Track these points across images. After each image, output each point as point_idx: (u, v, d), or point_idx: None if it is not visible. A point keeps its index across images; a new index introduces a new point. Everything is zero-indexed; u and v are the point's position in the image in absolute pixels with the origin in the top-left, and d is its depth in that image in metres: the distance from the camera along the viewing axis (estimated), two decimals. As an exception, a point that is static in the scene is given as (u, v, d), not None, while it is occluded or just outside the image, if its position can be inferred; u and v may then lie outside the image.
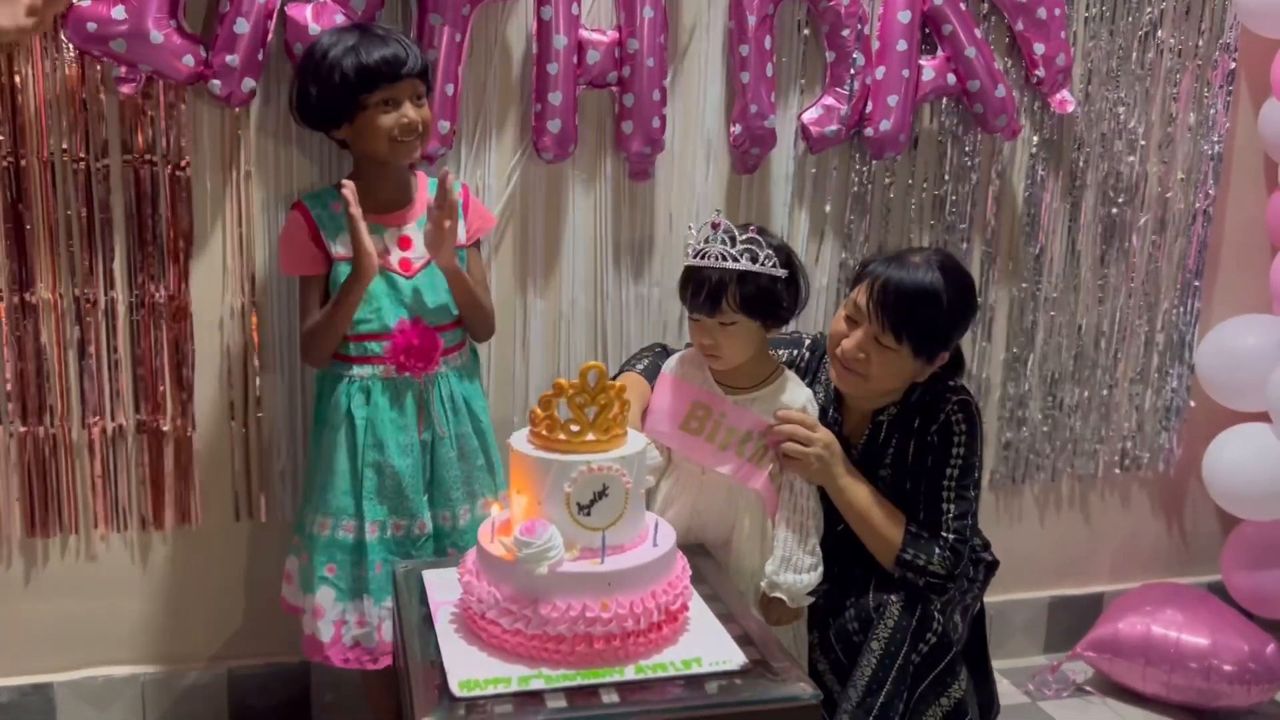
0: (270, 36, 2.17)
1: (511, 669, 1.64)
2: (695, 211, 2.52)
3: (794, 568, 2.06)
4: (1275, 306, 2.88)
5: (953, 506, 2.12)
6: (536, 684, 1.60)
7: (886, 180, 2.62)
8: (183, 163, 2.22)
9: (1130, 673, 2.74)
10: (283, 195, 2.29)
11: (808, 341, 2.29)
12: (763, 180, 2.55)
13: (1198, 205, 2.85)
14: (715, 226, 2.00)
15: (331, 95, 2.03)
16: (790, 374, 2.15)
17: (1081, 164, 2.74)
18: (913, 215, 2.65)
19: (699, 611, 1.83)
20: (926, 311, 2.02)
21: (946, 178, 2.65)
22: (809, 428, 2.06)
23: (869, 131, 2.50)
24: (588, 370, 1.70)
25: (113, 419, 2.30)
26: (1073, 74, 2.67)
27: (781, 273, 2.01)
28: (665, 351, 2.29)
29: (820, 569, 2.09)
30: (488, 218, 2.28)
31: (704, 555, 2.07)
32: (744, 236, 1.98)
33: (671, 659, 1.69)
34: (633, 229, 2.50)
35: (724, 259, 1.98)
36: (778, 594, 2.06)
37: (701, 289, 1.99)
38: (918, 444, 2.15)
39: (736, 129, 2.47)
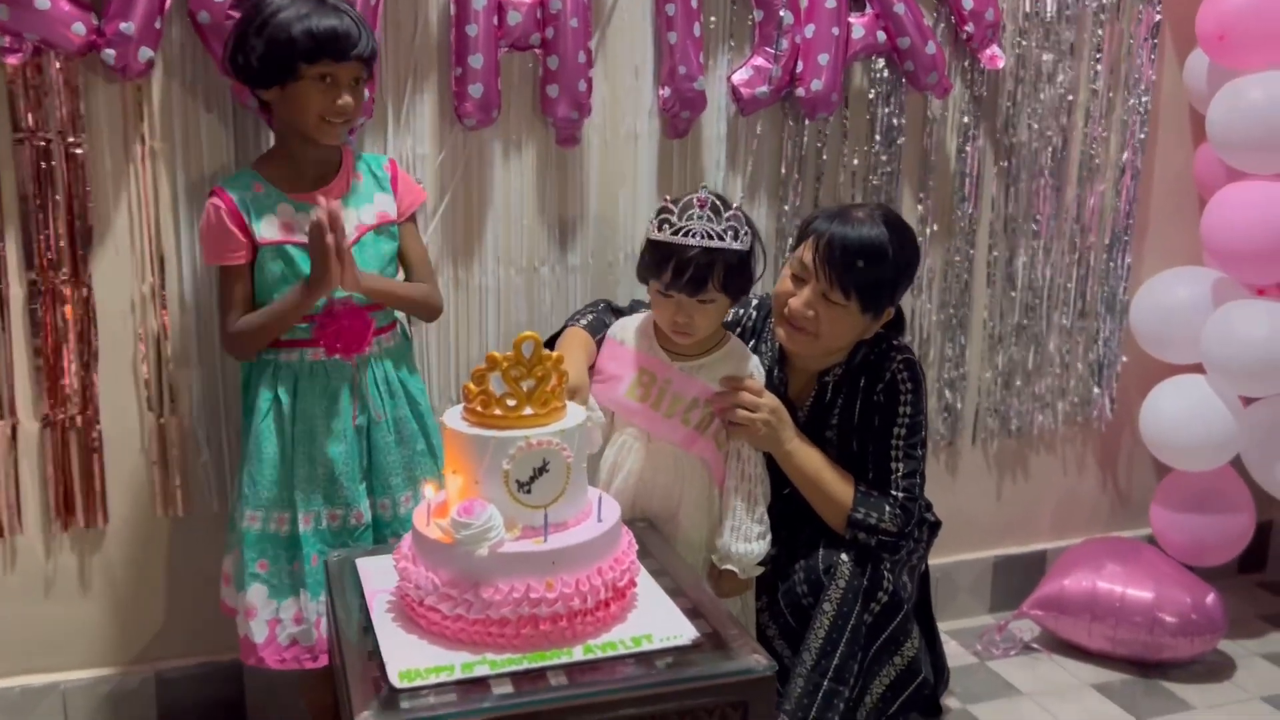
0: (169, 2, 2.04)
1: (454, 656, 1.56)
2: (628, 178, 2.45)
3: (744, 537, 2.01)
4: (1205, 259, 2.89)
5: (901, 465, 2.09)
6: (481, 670, 1.53)
7: (819, 143, 2.56)
8: (78, 140, 2.09)
9: (1076, 629, 2.74)
10: (193, 174, 2.17)
11: (755, 301, 2.24)
12: (694, 144, 2.49)
13: (1126, 159, 2.85)
14: (702, 203, 1.93)
15: (271, 55, 1.90)
16: (735, 339, 2.10)
17: (1012, 120, 2.72)
18: (845, 177, 2.60)
19: (647, 587, 1.77)
20: (873, 266, 1.98)
21: (878, 138, 2.60)
22: (755, 393, 2.01)
23: (800, 92, 2.45)
24: (522, 341, 1.62)
25: (12, 414, 2.16)
26: (1002, 29, 2.64)
27: (752, 247, 1.98)
28: (610, 308, 2.22)
29: (769, 537, 2.04)
30: (417, 191, 2.18)
31: (650, 529, 2.01)
32: (728, 213, 1.93)
33: (620, 637, 1.62)
34: (563, 198, 2.42)
35: (710, 236, 1.92)
36: (729, 565, 2.01)
37: (685, 268, 1.92)
38: (864, 404, 2.12)
39: (665, 92, 2.40)
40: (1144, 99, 2.82)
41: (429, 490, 1.70)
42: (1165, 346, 2.84)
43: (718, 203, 1.93)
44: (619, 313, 2.21)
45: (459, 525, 1.57)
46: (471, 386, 1.64)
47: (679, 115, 2.41)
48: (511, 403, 1.62)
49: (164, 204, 2.17)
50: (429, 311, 2.16)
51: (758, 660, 1.60)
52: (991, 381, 2.87)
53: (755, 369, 2.07)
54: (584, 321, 2.15)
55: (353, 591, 1.79)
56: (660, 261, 1.95)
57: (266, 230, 1.99)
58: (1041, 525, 3.05)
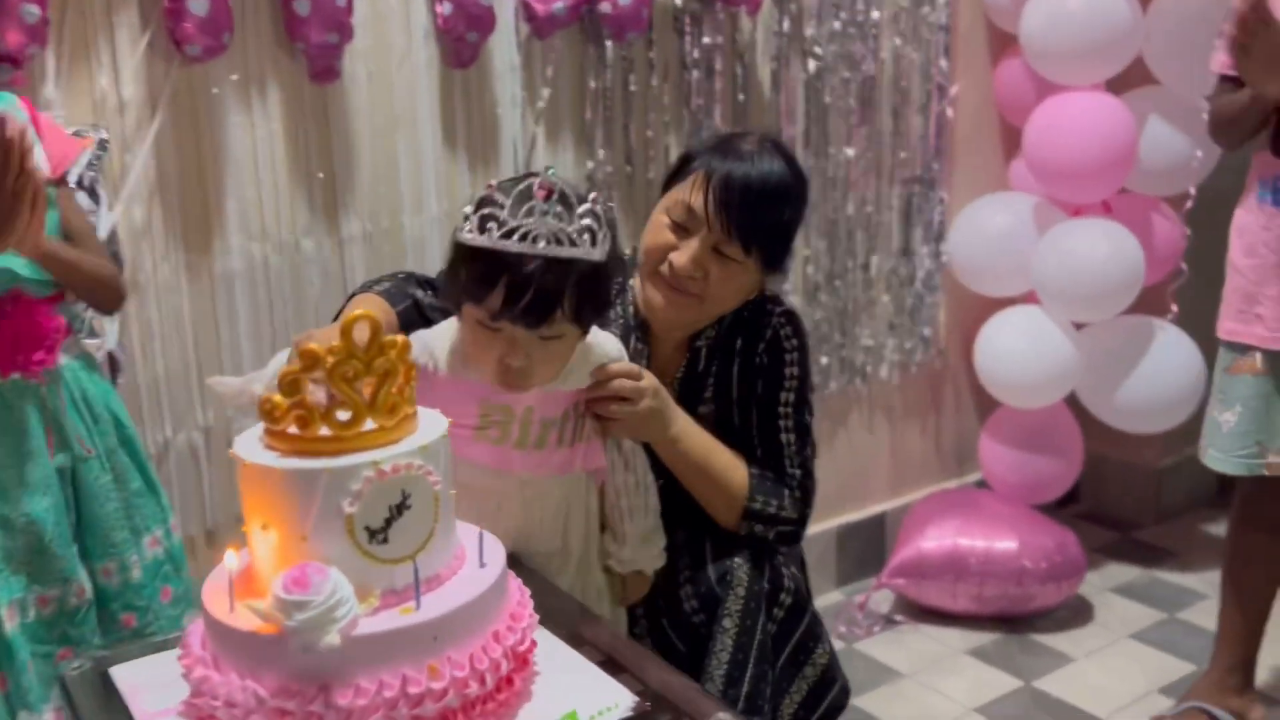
0: None
1: (303, 802, 1.05)
2: (405, 119, 1.94)
3: (641, 536, 1.60)
4: (1012, 184, 2.74)
5: (793, 437, 1.73)
6: (351, 817, 1.03)
7: (627, 72, 2.16)
8: None
9: (940, 592, 2.52)
10: None
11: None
12: (482, 76, 2.02)
13: (933, 82, 2.63)
14: (547, 192, 1.34)
15: None
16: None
17: (818, 39, 2.42)
18: (657, 113, 2.21)
19: (544, 644, 1.31)
20: (777, 210, 1.61)
21: (688, 63, 2.23)
22: (634, 378, 1.57)
23: (605, 7, 2.03)
24: (353, 324, 1.11)
25: None
26: (805, -65, 2.34)
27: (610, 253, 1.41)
28: (415, 280, 1.67)
29: (660, 525, 1.64)
30: (71, 142, 1.58)
31: (515, 564, 1.54)
32: (584, 207, 1.36)
33: (537, 724, 1.17)
34: (325, 149, 1.89)
35: (560, 241, 1.34)
36: (635, 568, 1.60)
37: (523, 290, 1.33)
38: (743, 368, 1.74)
39: (445, 8, 1.91)
40: (944, 15, 2.61)
41: (230, 556, 1.15)
42: (988, 279, 2.66)
43: (567, 192, 1.36)
44: (429, 288, 1.70)
45: (290, 606, 1.05)
46: (277, 400, 1.11)
47: (463, 38, 1.93)
48: (345, 416, 1.11)
49: None
50: (113, 296, 1.59)
51: (727, 722, 1.18)
52: (812, 332, 2.59)
53: (616, 348, 1.61)
54: (380, 288, 1.61)
55: None
56: (483, 280, 1.35)
57: None
58: (878, 485, 2.81)
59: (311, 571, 1.07)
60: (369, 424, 1.12)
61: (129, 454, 1.60)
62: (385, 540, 1.12)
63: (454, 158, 2.01)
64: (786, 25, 2.36)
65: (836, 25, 2.43)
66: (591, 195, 1.40)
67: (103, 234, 1.70)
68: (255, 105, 1.81)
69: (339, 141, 1.90)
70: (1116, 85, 2.49)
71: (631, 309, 1.74)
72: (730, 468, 1.69)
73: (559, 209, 1.34)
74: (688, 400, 1.74)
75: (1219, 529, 2.99)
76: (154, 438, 1.81)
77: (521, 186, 1.35)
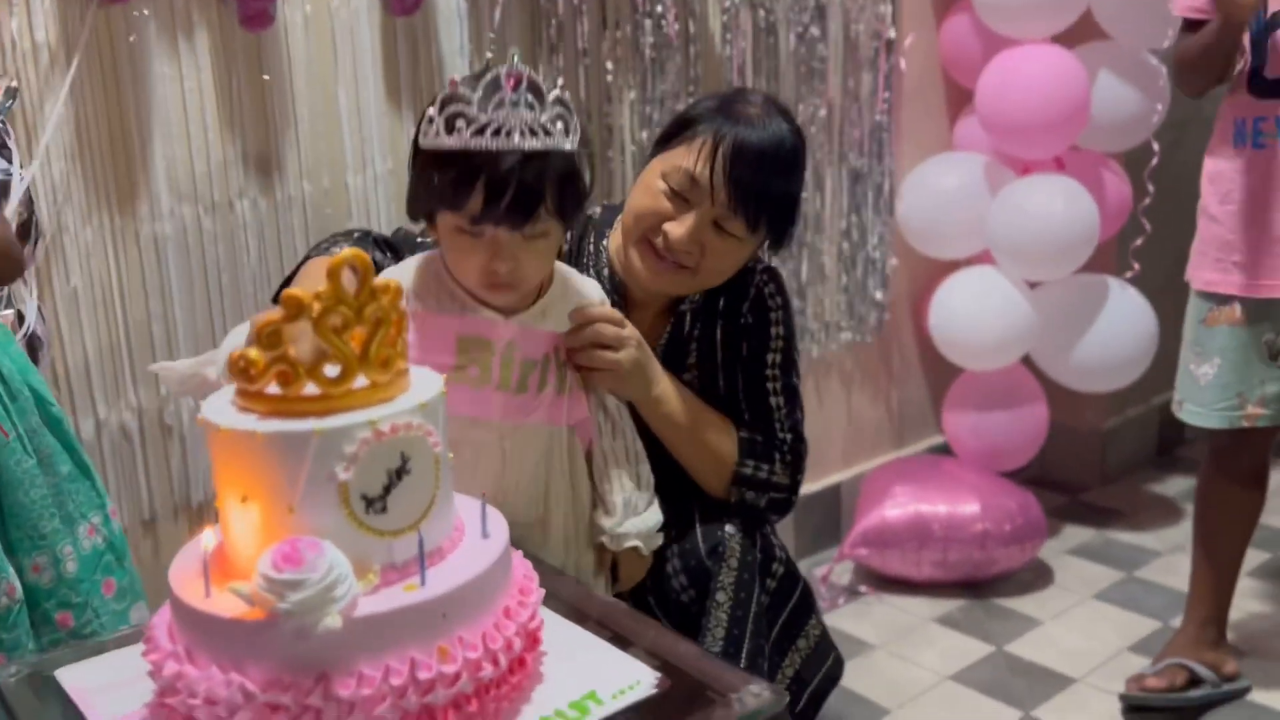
0: None
1: (305, 810, 0.92)
2: (345, 71, 1.80)
3: (634, 508, 1.48)
4: (956, 144, 2.70)
5: (781, 400, 1.64)
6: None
7: (577, 20, 2.04)
8: None
9: (904, 561, 2.46)
10: None
11: (567, 221, 1.68)
12: (426, 24, 1.88)
13: (879, 38, 2.57)
14: (515, 82, 1.24)
15: None
16: (562, 266, 1.52)
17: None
18: (606, 56, 2.10)
19: (547, 622, 1.19)
20: (788, 180, 1.52)
21: (640, 14, 2.12)
22: (616, 323, 1.46)
23: (555, -51, 1.91)
24: (340, 266, 0.98)
25: None
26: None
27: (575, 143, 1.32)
28: (369, 238, 1.54)
29: (656, 499, 1.52)
30: None
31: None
32: (553, 95, 1.27)
33: (556, 706, 1.05)
34: (259, 103, 1.73)
35: (535, 133, 1.25)
36: (629, 544, 1.47)
37: (503, 189, 1.25)
38: (726, 329, 1.64)
39: (387, -53, 1.77)
40: (889, -30, 2.55)
41: (207, 535, 1.01)
42: (940, 241, 2.61)
43: (536, 81, 1.27)
44: (388, 248, 1.56)
45: (282, 586, 0.92)
46: (252, 354, 0.98)
47: (407, -19, 1.79)
48: (333, 371, 0.98)
49: None
50: (11, 267, 1.41)
51: (762, 694, 1.09)
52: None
53: (597, 292, 1.51)
54: (336, 249, 1.48)
55: (66, 729, 1.07)
56: (458, 183, 1.27)
57: None
58: (831, 455, 2.74)
59: (304, 546, 0.94)
60: (360, 380, 1.00)
61: (56, 434, 1.43)
62: (384, 509, 0.99)
63: (398, 112, 1.87)
64: (736, -25, 2.26)
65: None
66: (559, 83, 1.31)
67: (15, 196, 1.52)
68: (183, 54, 1.65)
69: (274, 94, 1.74)
70: (1065, 40, 2.46)
71: (607, 271, 1.62)
72: (718, 430, 1.59)
73: (529, 98, 1.24)
74: (671, 367, 1.63)
75: (1163, 488, 3.02)
76: (83, 420, 1.63)
77: (488, 78, 1.25)
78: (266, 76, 1.72)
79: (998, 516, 2.42)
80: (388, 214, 1.86)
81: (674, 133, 1.55)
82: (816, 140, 2.49)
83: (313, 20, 1.76)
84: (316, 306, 0.97)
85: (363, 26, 1.80)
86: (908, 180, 2.63)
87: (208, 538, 0.99)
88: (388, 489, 0.99)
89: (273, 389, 0.98)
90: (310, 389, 0.98)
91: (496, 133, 1.23)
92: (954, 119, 2.75)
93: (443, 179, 1.28)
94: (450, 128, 1.25)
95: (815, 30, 2.42)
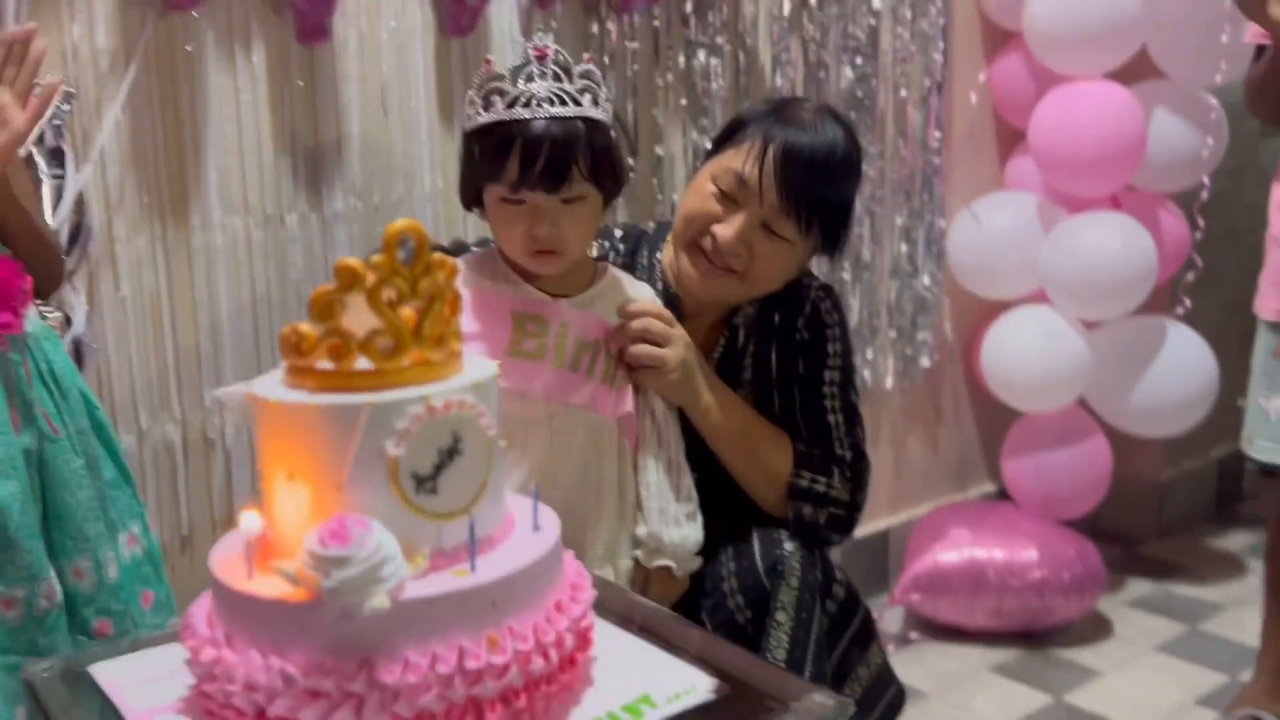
0: None
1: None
2: (398, 88, 1.80)
3: (673, 520, 1.44)
4: (1008, 182, 2.66)
5: (840, 418, 1.60)
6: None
7: (630, 45, 2.03)
8: None
9: (956, 607, 2.38)
10: None
11: (618, 233, 1.66)
12: (479, 46, 1.88)
13: (931, 76, 2.55)
14: (541, 55, 1.32)
15: None
16: (613, 267, 1.51)
17: (822, 24, 2.32)
18: (664, 97, 2.09)
19: (598, 629, 1.14)
20: (840, 184, 1.50)
21: (692, 42, 2.12)
22: (665, 322, 1.44)
23: (610, -26, 1.92)
24: (397, 236, 0.96)
25: None
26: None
27: (611, 120, 1.39)
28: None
29: (700, 516, 1.48)
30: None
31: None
32: (581, 68, 1.34)
33: (609, 708, 1.00)
34: (313, 117, 1.73)
35: (563, 100, 1.32)
36: (661, 561, 1.43)
37: (536, 153, 1.31)
38: (782, 346, 1.60)
39: (444, -33, 1.78)
40: (941, 9, 2.53)
41: (247, 518, 0.97)
42: (992, 280, 2.57)
43: (564, 56, 1.35)
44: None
45: (328, 563, 0.88)
46: (305, 329, 0.95)
47: (462, 1, 1.80)
48: (387, 344, 0.95)
49: None
50: (54, 274, 1.44)
51: (825, 703, 1.03)
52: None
53: (648, 292, 1.50)
54: None
55: (100, 723, 1.03)
56: (497, 152, 1.34)
57: None
58: (879, 500, 2.67)
59: (351, 523, 0.90)
60: (409, 357, 0.96)
61: (101, 439, 1.41)
62: (434, 490, 0.95)
63: (450, 132, 1.87)
64: (787, 9, 2.26)
65: (835, 10, 2.34)
66: (586, 56, 1.39)
67: (68, 200, 1.52)
68: (240, 65, 1.65)
69: (327, 109, 1.74)
70: (1119, 78, 2.43)
71: (660, 284, 1.60)
72: (773, 442, 1.55)
73: (555, 69, 1.34)
74: (725, 382, 1.59)
75: (1224, 542, 2.92)
76: (124, 431, 1.61)
77: (519, 59, 1.37)
78: (299, 84, 1.71)
79: (1056, 564, 2.34)
80: (436, 233, 1.84)
81: (725, 137, 1.54)
82: (865, 178, 2.46)
83: (368, 37, 1.76)
84: (371, 277, 0.94)
85: (417, 46, 1.81)
86: (958, 219, 2.59)
87: (250, 520, 0.95)
88: (438, 469, 0.95)
89: (324, 364, 0.95)
90: (362, 364, 0.95)
91: (527, 103, 1.32)
92: (1004, 158, 2.71)
93: (482, 152, 1.36)
94: (487, 105, 1.34)
95: (866, 66, 2.41)
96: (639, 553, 1.45)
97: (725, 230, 1.46)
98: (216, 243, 1.67)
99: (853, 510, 1.57)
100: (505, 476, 1.12)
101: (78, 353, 1.55)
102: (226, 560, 0.98)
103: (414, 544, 0.94)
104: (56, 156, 1.50)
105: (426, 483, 0.95)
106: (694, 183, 1.53)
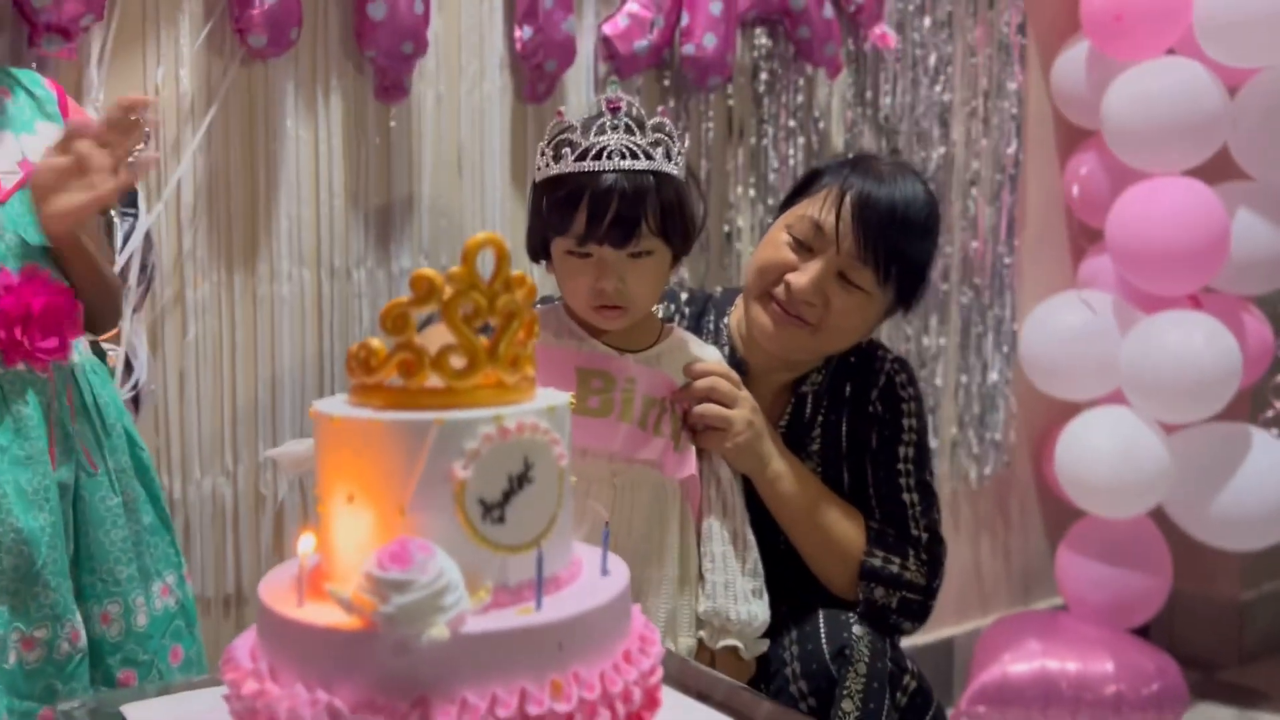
0: None
1: None
2: (473, 150, 1.79)
3: (739, 596, 1.35)
4: (1083, 283, 2.59)
5: (916, 497, 1.52)
6: None
7: (705, 124, 2.02)
8: None
9: (1027, 721, 2.24)
10: None
11: (684, 296, 1.61)
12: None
13: (1004, 172, 2.51)
14: (614, 108, 1.30)
15: None
16: (678, 328, 1.46)
17: (895, 116, 2.31)
18: (735, 176, 2.08)
19: (665, 695, 1.06)
20: (918, 236, 1.45)
21: (765, 121, 2.10)
22: (733, 383, 1.38)
23: (688, 49, 1.91)
24: (478, 248, 0.91)
25: None
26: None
27: (688, 178, 1.37)
28: None
29: (766, 594, 1.39)
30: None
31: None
32: (654, 121, 1.32)
33: (678, 775, 0.91)
34: (385, 174, 1.72)
35: (635, 155, 1.29)
36: (728, 641, 1.34)
37: (605, 207, 1.28)
38: (853, 417, 1.53)
39: (526, 32, 1.78)
40: (1014, 103, 2.51)
41: (303, 541, 0.91)
42: (1065, 380, 2.48)
43: (637, 109, 1.32)
44: None
45: (387, 586, 0.81)
46: (375, 343, 0.90)
47: (540, 66, 1.80)
48: (460, 361, 0.90)
49: None
50: (113, 312, 1.41)
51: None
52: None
53: (715, 354, 1.45)
54: None
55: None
56: (565, 204, 1.31)
57: None
58: (944, 606, 2.53)
59: (414, 547, 0.84)
60: (480, 376, 0.91)
61: (142, 481, 1.36)
62: (501, 519, 0.89)
63: (521, 197, 1.85)
64: (859, 97, 2.24)
65: (908, 99, 2.32)
66: (660, 109, 1.37)
67: (137, 239, 1.51)
68: (319, 116, 1.65)
69: (400, 166, 1.73)
70: (1198, 177, 2.38)
71: (728, 349, 1.54)
72: (844, 517, 1.46)
73: (628, 122, 1.29)
74: (792, 452, 1.52)
75: (1311, 670, 2.74)
76: (175, 479, 1.56)
77: (591, 110, 1.35)
78: (375, 140, 1.70)
79: (1134, 679, 2.20)
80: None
81: (800, 189, 1.52)
82: (935, 271, 2.41)
83: (445, 99, 1.76)
84: (448, 290, 0.89)
85: (494, 109, 1.80)
86: (1031, 317, 2.52)
87: (306, 542, 0.89)
88: (508, 496, 0.89)
89: (393, 381, 0.90)
90: (433, 382, 0.90)
91: (599, 156, 1.29)
92: (1076, 256, 2.66)
93: (550, 204, 1.34)
94: (557, 156, 1.32)
95: (938, 156, 2.38)
96: (703, 633, 1.36)
97: (800, 278, 1.42)
98: (283, 293, 1.64)
99: (928, 596, 1.48)
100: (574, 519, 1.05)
101: (135, 395, 1.52)
102: (276, 587, 0.92)
103: (477, 576, 0.87)
104: (129, 195, 1.50)
105: (494, 510, 0.88)
106: (768, 235, 1.50)
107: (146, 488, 1.38)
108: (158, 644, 1.35)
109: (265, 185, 1.62)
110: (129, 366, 1.52)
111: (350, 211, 1.69)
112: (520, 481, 0.90)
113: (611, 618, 0.92)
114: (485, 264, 0.91)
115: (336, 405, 0.92)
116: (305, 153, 1.65)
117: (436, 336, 0.92)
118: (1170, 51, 2.34)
